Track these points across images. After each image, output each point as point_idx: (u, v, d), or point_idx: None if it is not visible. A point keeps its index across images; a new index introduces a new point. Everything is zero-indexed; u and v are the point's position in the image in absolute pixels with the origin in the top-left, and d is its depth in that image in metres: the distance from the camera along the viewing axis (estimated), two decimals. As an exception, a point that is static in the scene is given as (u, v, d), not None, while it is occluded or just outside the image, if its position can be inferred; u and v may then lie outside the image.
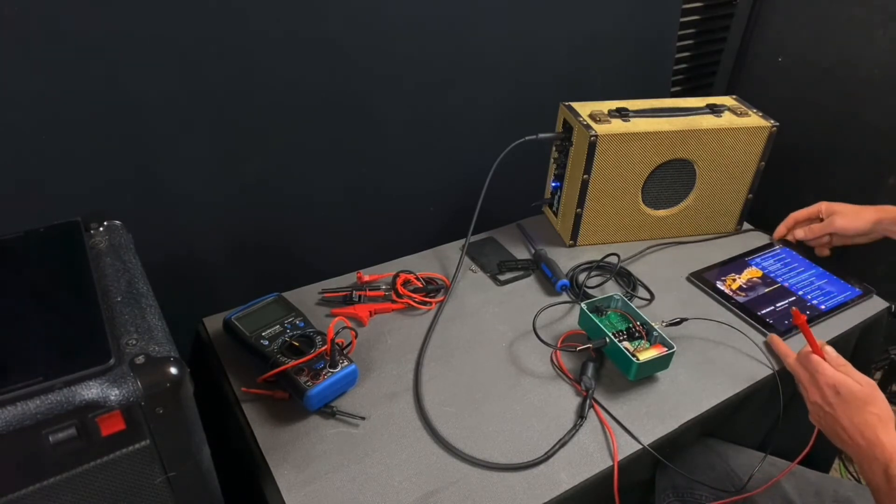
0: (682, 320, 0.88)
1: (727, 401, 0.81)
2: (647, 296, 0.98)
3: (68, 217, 0.65)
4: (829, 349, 0.77)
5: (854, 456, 0.70)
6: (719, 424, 0.86)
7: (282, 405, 0.77)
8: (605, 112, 1.01)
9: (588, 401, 0.78)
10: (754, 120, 1.03)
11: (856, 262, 1.02)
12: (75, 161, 0.79)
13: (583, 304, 0.86)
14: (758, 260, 1.06)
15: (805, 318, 0.79)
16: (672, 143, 0.99)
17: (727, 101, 1.08)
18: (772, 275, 1.02)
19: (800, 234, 1.05)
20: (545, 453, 0.72)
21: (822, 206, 1.02)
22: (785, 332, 0.90)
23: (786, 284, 1.00)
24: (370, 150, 1.04)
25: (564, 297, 0.97)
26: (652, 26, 1.26)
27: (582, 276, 1.00)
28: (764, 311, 0.94)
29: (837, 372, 0.73)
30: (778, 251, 1.08)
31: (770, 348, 0.88)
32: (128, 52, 0.77)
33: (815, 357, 0.76)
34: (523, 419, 0.77)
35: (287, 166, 0.97)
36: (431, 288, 0.96)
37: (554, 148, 1.07)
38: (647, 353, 0.80)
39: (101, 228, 0.66)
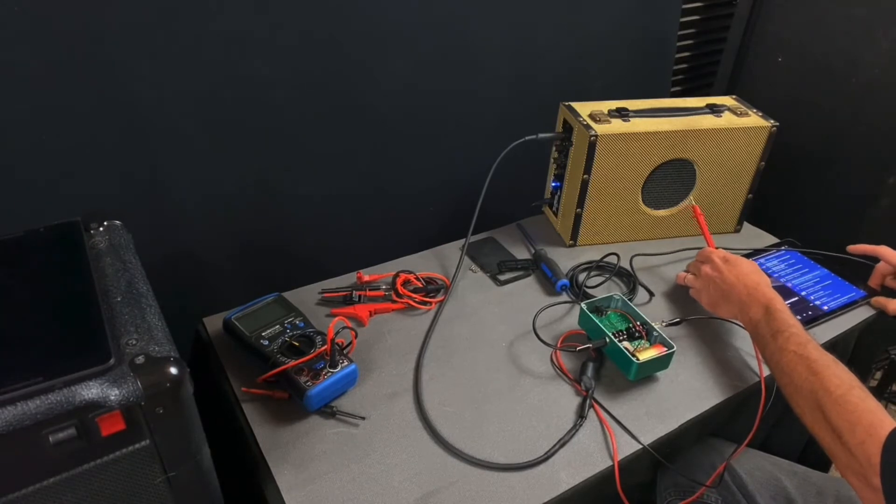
0: (682, 320, 0.88)
1: (727, 401, 0.80)
2: (647, 296, 0.98)
3: (68, 217, 0.65)
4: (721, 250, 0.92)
5: (736, 307, 0.82)
6: (720, 424, 0.86)
7: (282, 405, 0.77)
8: (605, 112, 1.01)
9: (588, 401, 0.78)
10: (754, 120, 1.03)
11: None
12: (75, 161, 0.79)
13: (583, 304, 0.86)
14: (762, 260, 1.06)
15: (699, 213, 0.97)
16: (672, 143, 0.99)
17: (727, 101, 1.08)
18: (775, 275, 1.02)
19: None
20: (545, 453, 0.72)
21: None
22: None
23: (789, 285, 1.00)
24: (370, 150, 1.04)
25: (564, 297, 0.97)
26: (652, 26, 1.26)
27: (582, 276, 1.00)
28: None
29: (729, 253, 0.89)
30: (782, 252, 1.08)
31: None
32: (129, 52, 0.77)
33: (711, 248, 0.91)
34: (523, 419, 0.77)
35: (287, 166, 0.97)
36: (431, 288, 0.96)
37: (554, 148, 1.07)
38: (647, 353, 0.80)
39: (101, 228, 0.66)
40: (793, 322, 0.74)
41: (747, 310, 0.79)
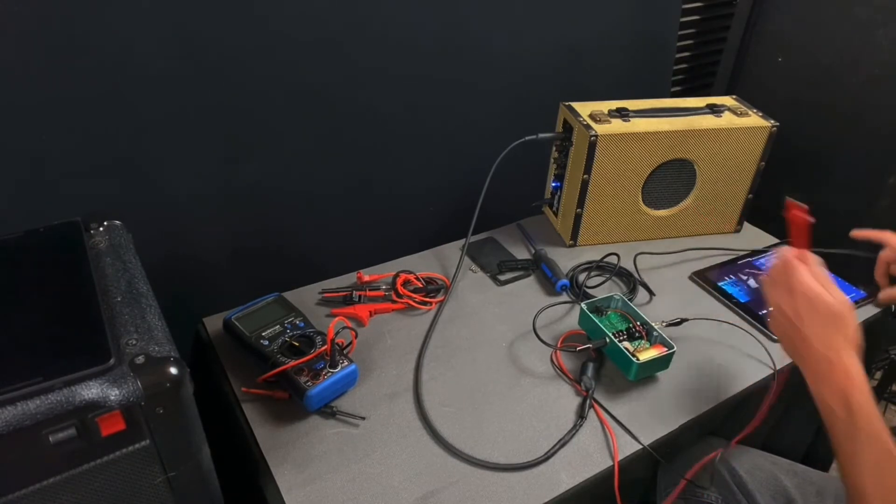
0: (683, 320, 0.88)
1: (727, 401, 0.80)
2: (647, 296, 0.98)
3: (68, 217, 0.65)
4: (814, 258, 0.69)
5: (810, 374, 0.66)
6: (720, 424, 0.86)
7: (282, 405, 0.77)
8: (605, 112, 1.01)
9: (588, 401, 0.78)
10: (754, 120, 1.03)
11: (858, 261, 1.02)
12: (75, 161, 0.79)
13: (583, 304, 0.86)
14: (762, 260, 1.06)
15: (803, 212, 0.69)
16: (672, 143, 0.99)
17: (727, 101, 1.08)
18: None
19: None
20: (545, 453, 0.72)
21: None
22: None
23: (787, 285, 1.00)
24: (370, 150, 1.04)
25: (564, 297, 0.97)
26: (652, 26, 1.26)
27: (582, 276, 1.00)
28: (765, 311, 0.94)
29: (816, 283, 0.66)
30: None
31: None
32: (128, 53, 0.77)
33: (799, 262, 0.68)
34: (523, 419, 0.77)
35: (287, 166, 0.97)
36: (431, 288, 0.96)
37: (554, 148, 1.07)
38: (647, 353, 0.80)
39: (101, 228, 0.66)
40: (874, 417, 0.62)
41: (821, 387, 0.65)
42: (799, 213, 0.66)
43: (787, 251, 0.69)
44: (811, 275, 0.67)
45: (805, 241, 0.68)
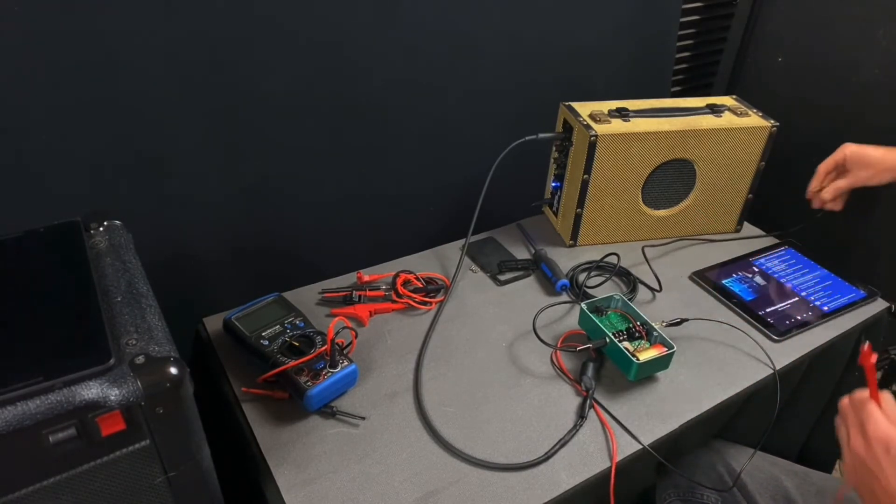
0: (683, 320, 0.88)
1: (727, 401, 0.80)
2: (648, 295, 0.98)
3: (68, 217, 0.65)
4: (888, 397, 0.65)
5: None
6: (721, 425, 0.86)
7: (282, 405, 0.77)
8: (605, 112, 1.01)
9: (588, 401, 0.78)
10: (754, 120, 1.03)
11: (858, 261, 1.02)
12: (75, 161, 0.79)
13: (583, 304, 0.86)
14: (762, 260, 1.06)
15: (875, 358, 0.65)
16: (672, 143, 0.99)
17: (727, 101, 1.08)
18: (776, 275, 1.02)
19: (827, 195, 1.03)
20: (545, 453, 0.72)
21: (847, 153, 1.00)
22: (784, 333, 0.90)
23: (789, 285, 1.00)
24: (370, 150, 1.04)
25: (564, 297, 0.97)
26: (652, 26, 1.26)
27: (582, 276, 1.00)
28: (765, 312, 0.94)
29: (892, 426, 0.62)
30: (782, 252, 1.08)
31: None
32: (129, 53, 0.77)
33: (871, 404, 0.64)
34: (523, 419, 0.77)
35: (287, 166, 0.97)
36: (431, 288, 0.96)
37: (554, 148, 1.07)
38: (648, 353, 0.80)
39: (101, 228, 0.66)
40: None
41: None
42: (873, 355, 0.65)
43: (860, 392, 0.65)
44: (886, 416, 0.63)
45: (875, 381, 0.65)
